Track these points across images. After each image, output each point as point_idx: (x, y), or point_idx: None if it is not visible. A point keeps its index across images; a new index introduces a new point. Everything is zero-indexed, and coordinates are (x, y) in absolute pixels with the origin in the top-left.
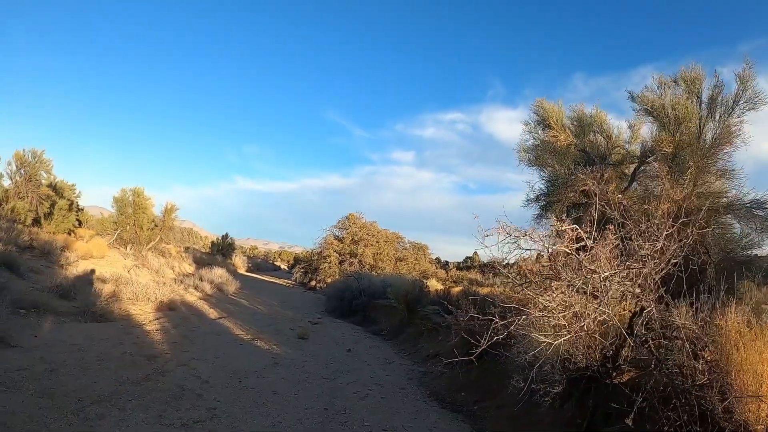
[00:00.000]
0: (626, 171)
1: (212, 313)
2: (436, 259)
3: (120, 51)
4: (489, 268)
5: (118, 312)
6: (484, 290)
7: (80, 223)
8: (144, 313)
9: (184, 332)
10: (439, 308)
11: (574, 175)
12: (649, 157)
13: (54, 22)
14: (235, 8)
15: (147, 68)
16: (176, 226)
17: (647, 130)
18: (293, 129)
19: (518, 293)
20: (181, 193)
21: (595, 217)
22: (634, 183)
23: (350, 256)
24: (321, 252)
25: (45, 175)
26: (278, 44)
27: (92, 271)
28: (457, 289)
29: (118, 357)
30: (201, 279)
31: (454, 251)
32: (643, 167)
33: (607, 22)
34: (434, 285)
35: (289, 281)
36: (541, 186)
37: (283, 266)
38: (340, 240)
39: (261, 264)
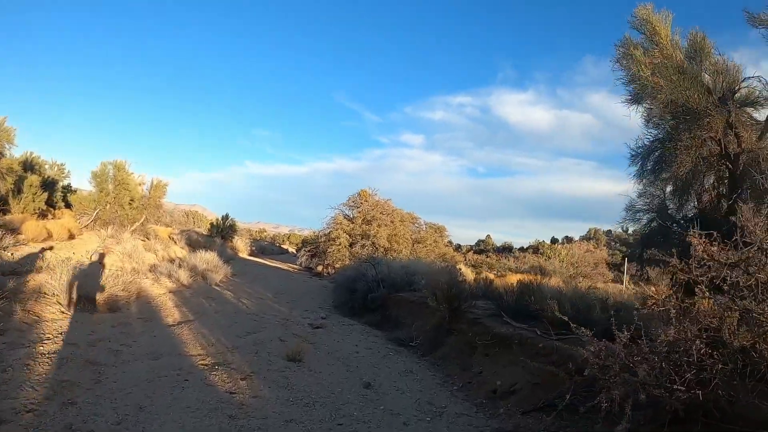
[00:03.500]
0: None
1: (172, 315)
2: (449, 242)
3: (127, 31)
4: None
5: (19, 317)
6: (553, 281)
7: (69, 205)
8: (63, 317)
9: (100, 355)
10: (495, 307)
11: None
12: None
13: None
14: None
15: (155, 51)
16: (165, 204)
17: None
18: (303, 113)
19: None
20: (193, 178)
21: None
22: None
23: (362, 238)
24: (329, 233)
25: (8, 147)
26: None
27: (33, 256)
28: (513, 279)
29: None
30: (180, 266)
31: (464, 234)
32: None
33: (618, 3)
34: (468, 273)
35: (294, 266)
36: (650, 136)
37: (291, 249)
38: (351, 220)
39: (266, 247)
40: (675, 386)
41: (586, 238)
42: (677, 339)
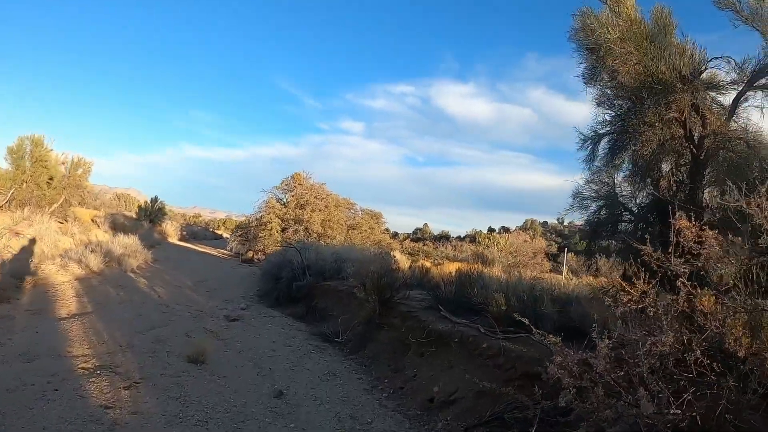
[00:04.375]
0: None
1: (68, 307)
2: (386, 229)
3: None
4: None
5: None
6: (495, 271)
7: None
8: None
9: None
10: (431, 298)
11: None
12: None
13: None
14: None
15: (85, 19)
16: (96, 187)
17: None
18: (243, 95)
19: None
20: (126, 160)
21: None
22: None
23: (295, 223)
24: (260, 218)
25: None
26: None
27: None
28: (450, 267)
29: None
30: (93, 250)
31: (402, 222)
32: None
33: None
34: (403, 261)
35: (225, 252)
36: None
37: (227, 235)
38: (284, 204)
39: (199, 232)
40: (671, 410)
41: (523, 228)
42: (674, 349)
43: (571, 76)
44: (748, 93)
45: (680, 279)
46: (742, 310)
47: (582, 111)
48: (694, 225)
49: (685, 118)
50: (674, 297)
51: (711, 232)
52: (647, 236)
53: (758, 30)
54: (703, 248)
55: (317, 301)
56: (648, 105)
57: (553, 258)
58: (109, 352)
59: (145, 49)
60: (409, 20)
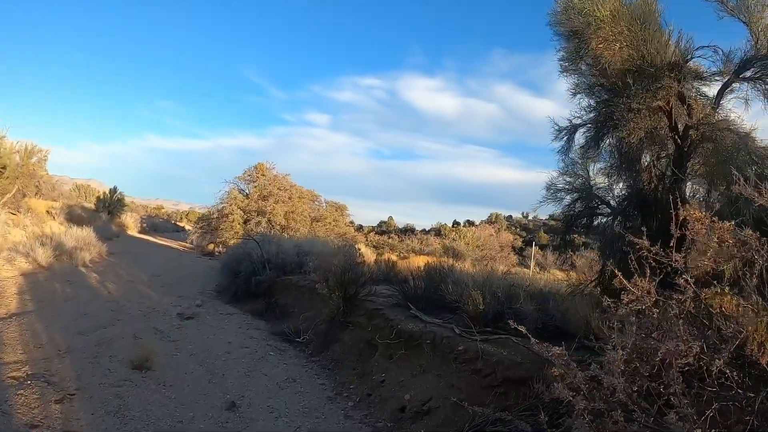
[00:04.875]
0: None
1: (7, 306)
2: (350, 222)
3: None
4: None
5: None
6: (466, 265)
7: None
8: None
9: None
10: (399, 294)
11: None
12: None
13: None
14: None
15: (51, 9)
16: (45, 175)
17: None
18: (209, 86)
19: None
20: (88, 149)
21: None
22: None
23: (257, 214)
24: (222, 209)
25: None
26: None
27: None
28: (418, 261)
29: None
30: (44, 243)
31: (367, 215)
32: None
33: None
34: (368, 254)
35: (186, 244)
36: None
37: (189, 227)
38: (246, 195)
39: (160, 224)
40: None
41: (488, 222)
42: (699, 359)
43: (538, 73)
44: (734, 84)
45: (683, 277)
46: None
47: (547, 108)
48: (705, 215)
49: (671, 107)
50: (681, 297)
51: (727, 223)
52: (626, 231)
53: (743, 22)
54: (714, 241)
55: (278, 297)
56: (635, 91)
57: (519, 252)
58: (46, 357)
59: (111, 39)
60: (379, 13)
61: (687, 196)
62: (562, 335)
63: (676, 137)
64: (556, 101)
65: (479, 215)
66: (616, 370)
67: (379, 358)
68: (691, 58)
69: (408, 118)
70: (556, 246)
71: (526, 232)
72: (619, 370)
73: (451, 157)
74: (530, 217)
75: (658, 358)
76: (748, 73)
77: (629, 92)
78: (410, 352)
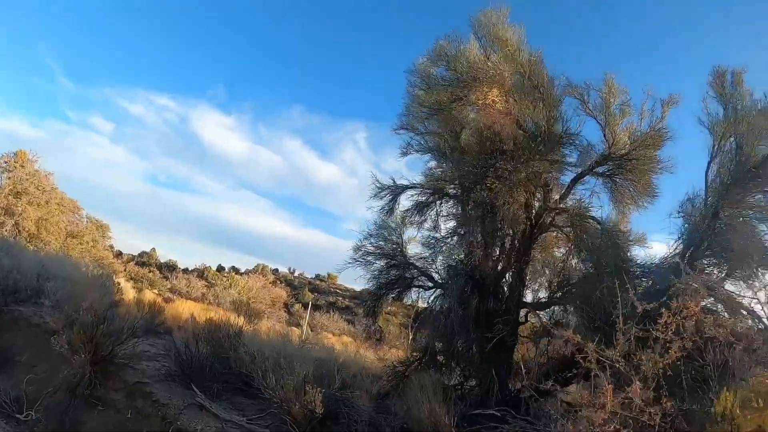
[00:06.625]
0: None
1: None
2: (110, 246)
3: None
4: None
5: None
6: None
7: None
8: None
9: None
10: (173, 361)
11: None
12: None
13: None
14: None
15: None
16: None
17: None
18: None
19: None
20: None
21: None
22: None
23: (4, 213)
24: None
25: None
26: None
27: None
28: (185, 307)
29: None
30: None
31: (128, 242)
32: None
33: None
34: (129, 291)
35: None
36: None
37: None
38: None
39: None
40: None
41: (254, 271)
42: None
43: (330, 137)
44: (586, 177)
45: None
46: None
47: (330, 172)
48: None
49: (533, 186)
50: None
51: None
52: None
53: (599, 123)
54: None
55: (1, 337)
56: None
57: (287, 308)
58: None
59: None
60: (194, 37)
61: (527, 280)
62: None
63: (530, 218)
64: (340, 167)
65: (245, 263)
66: None
67: None
68: (563, 141)
69: (193, 149)
70: (365, 312)
71: (291, 288)
72: None
73: (227, 198)
74: (296, 274)
75: None
76: (601, 169)
77: (493, 164)
78: None
